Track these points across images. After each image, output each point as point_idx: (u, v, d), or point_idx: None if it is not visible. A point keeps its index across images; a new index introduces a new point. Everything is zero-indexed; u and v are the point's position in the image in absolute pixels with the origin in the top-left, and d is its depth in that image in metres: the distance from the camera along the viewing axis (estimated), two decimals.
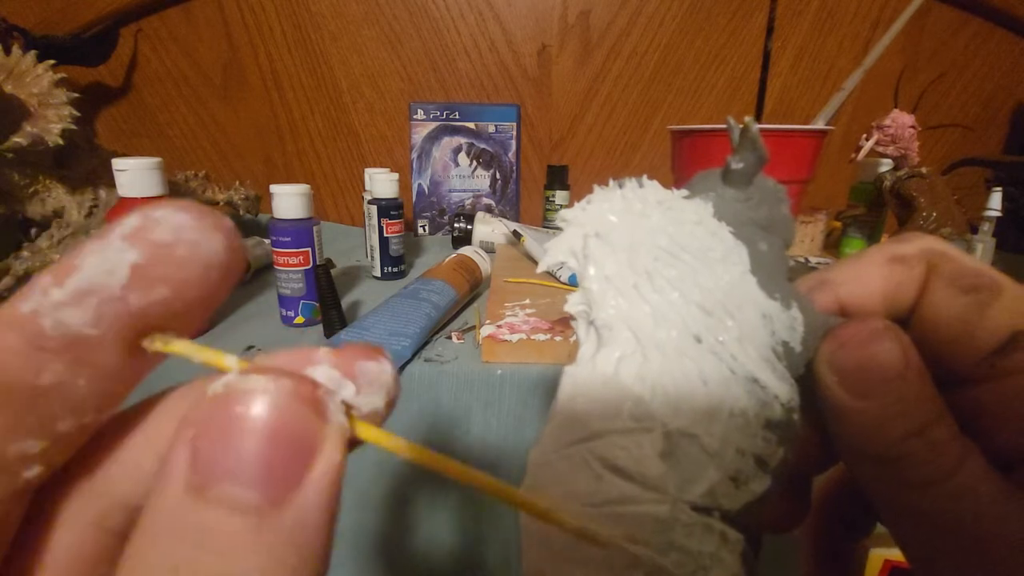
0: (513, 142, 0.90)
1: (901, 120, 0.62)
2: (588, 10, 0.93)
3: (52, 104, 0.56)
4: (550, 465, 0.12)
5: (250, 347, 0.47)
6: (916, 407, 0.12)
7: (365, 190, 0.75)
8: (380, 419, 0.10)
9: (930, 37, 0.95)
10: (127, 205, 0.47)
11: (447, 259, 0.58)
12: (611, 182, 0.14)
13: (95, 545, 0.10)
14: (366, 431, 0.10)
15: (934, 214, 0.61)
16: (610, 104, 0.98)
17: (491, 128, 0.89)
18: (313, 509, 0.08)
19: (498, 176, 0.92)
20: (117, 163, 0.46)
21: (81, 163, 0.61)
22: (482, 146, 0.90)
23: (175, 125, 0.98)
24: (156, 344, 0.09)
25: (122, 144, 0.97)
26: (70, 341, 0.08)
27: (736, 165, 0.14)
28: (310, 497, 0.08)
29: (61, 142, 0.55)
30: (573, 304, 0.13)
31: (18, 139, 0.53)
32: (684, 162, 0.61)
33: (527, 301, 0.52)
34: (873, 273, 0.14)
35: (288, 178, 1.01)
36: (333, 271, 0.54)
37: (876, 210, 0.72)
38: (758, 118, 0.96)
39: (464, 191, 0.92)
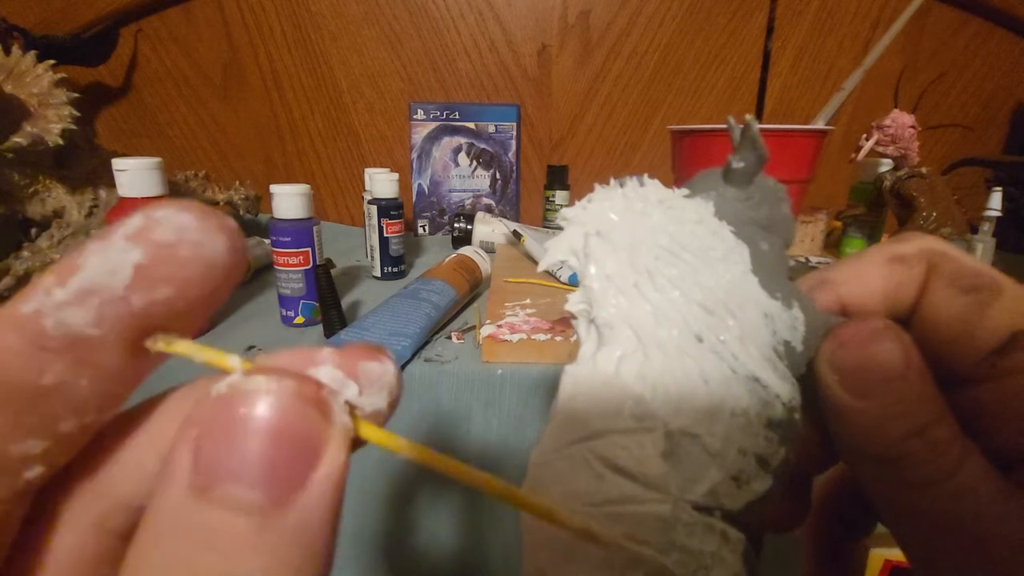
0: (513, 142, 0.90)
1: (901, 120, 0.62)
2: (588, 10, 0.93)
3: (52, 104, 0.56)
4: (551, 465, 0.12)
5: (251, 347, 0.47)
6: (917, 407, 0.12)
7: (365, 190, 0.75)
8: (383, 419, 0.10)
9: (930, 37, 0.95)
10: (127, 205, 0.47)
11: (447, 259, 0.58)
12: (612, 181, 0.14)
13: (97, 546, 0.10)
14: (369, 431, 0.10)
15: (934, 214, 0.61)
16: (610, 104, 0.98)
17: (491, 128, 0.89)
18: (317, 510, 0.08)
19: (498, 176, 0.92)
20: (117, 163, 0.46)
21: (81, 163, 0.61)
22: (482, 146, 0.90)
23: (175, 125, 0.98)
24: (158, 344, 0.09)
25: (122, 144, 0.97)
26: (72, 341, 0.08)
27: (737, 164, 0.14)
28: (314, 498, 0.08)
29: (61, 142, 0.55)
30: (574, 303, 0.13)
31: (18, 139, 0.53)
32: (684, 162, 0.61)
33: (527, 301, 0.52)
34: (873, 273, 0.14)
35: (288, 178, 1.01)
36: (333, 271, 0.54)
37: (876, 210, 0.72)
38: (758, 118, 0.96)
39: (464, 191, 0.92)
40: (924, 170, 0.62)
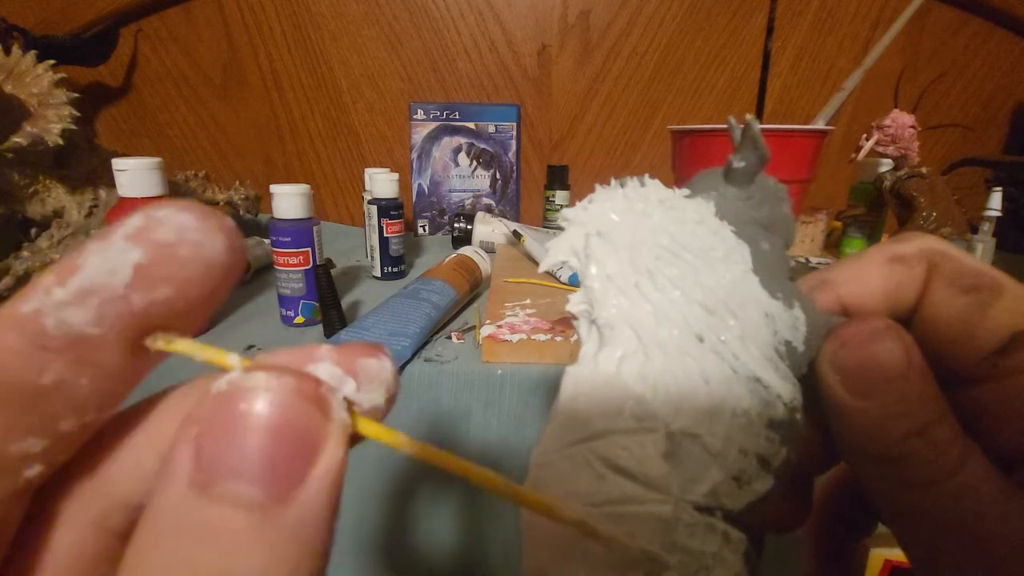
0: (513, 142, 0.90)
1: (901, 120, 0.62)
2: (588, 10, 0.93)
3: (52, 104, 0.56)
4: (551, 465, 0.12)
5: (250, 347, 0.47)
6: (918, 406, 0.12)
7: (365, 190, 0.75)
8: (381, 415, 0.10)
9: (930, 37, 0.95)
10: (127, 205, 0.47)
11: (447, 259, 0.58)
12: (613, 181, 0.14)
13: (96, 545, 0.10)
14: (367, 427, 0.10)
15: (934, 214, 0.61)
16: (610, 104, 0.98)
17: (491, 128, 0.89)
18: (316, 505, 0.08)
19: (498, 176, 0.92)
20: (117, 163, 0.46)
21: (81, 163, 0.61)
22: (482, 146, 0.90)
23: (175, 125, 0.98)
24: (158, 343, 0.09)
25: (122, 144, 0.97)
26: (72, 340, 0.08)
27: (738, 164, 0.14)
28: (313, 493, 0.08)
29: (61, 142, 0.55)
30: (575, 303, 0.13)
31: (18, 139, 0.53)
32: (684, 162, 0.61)
33: (527, 301, 0.52)
34: (873, 273, 0.14)
35: (288, 178, 1.01)
36: (333, 271, 0.54)
37: (876, 210, 0.72)
38: (758, 118, 0.96)
39: (464, 191, 0.92)
40: (924, 170, 0.62)
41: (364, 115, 0.98)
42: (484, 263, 0.61)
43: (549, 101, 0.98)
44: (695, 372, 0.12)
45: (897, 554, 0.38)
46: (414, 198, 0.91)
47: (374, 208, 0.64)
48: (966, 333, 0.13)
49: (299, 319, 0.52)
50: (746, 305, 0.13)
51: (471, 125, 0.89)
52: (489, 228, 0.79)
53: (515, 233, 0.69)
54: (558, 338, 0.44)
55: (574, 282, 0.57)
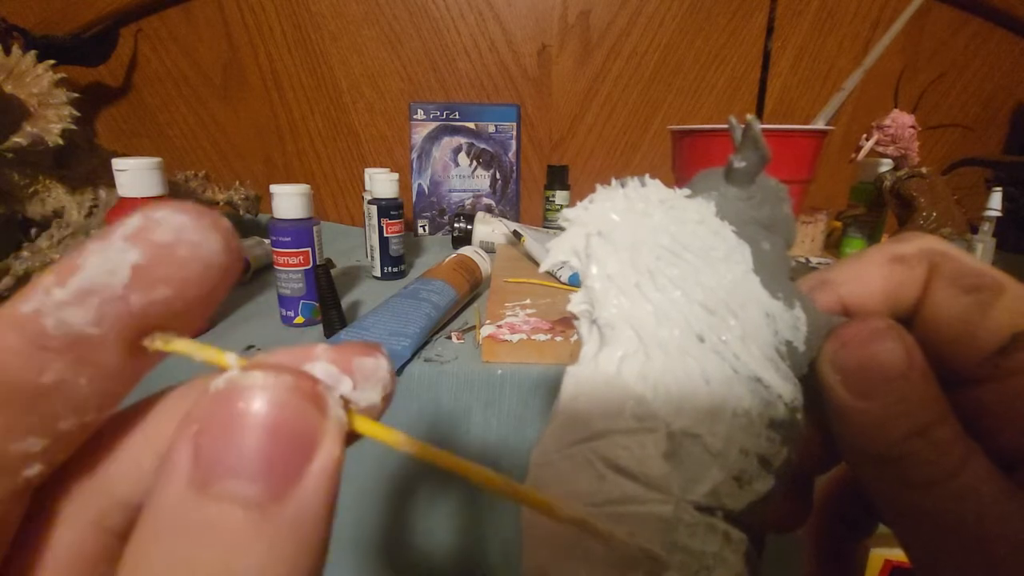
0: (513, 142, 0.90)
1: (901, 120, 0.62)
2: (588, 10, 0.93)
3: (52, 104, 0.56)
4: (552, 465, 0.12)
5: (250, 347, 0.47)
6: (919, 407, 0.12)
7: (365, 190, 0.75)
8: (377, 414, 0.10)
9: (930, 37, 0.95)
10: (127, 205, 0.47)
11: (447, 259, 0.58)
12: (613, 181, 0.14)
13: (95, 544, 0.10)
14: (364, 425, 0.10)
15: (934, 214, 0.61)
16: (610, 104, 0.98)
17: (491, 128, 0.89)
18: (313, 502, 0.08)
19: (498, 176, 0.91)
20: (117, 163, 0.46)
21: (81, 163, 0.61)
22: (482, 146, 0.90)
23: (175, 125, 0.98)
24: (157, 343, 0.09)
25: (122, 144, 0.97)
26: (72, 340, 0.08)
27: (739, 164, 0.14)
28: (310, 490, 0.08)
29: (61, 142, 0.55)
30: (576, 303, 0.13)
31: (18, 139, 0.53)
32: (684, 162, 0.61)
33: (527, 301, 0.52)
34: (874, 273, 0.14)
35: (288, 178, 1.01)
36: (333, 271, 0.54)
37: (876, 210, 0.72)
38: (758, 118, 0.96)
39: (464, 191, 0.92)
40: (924, 170, 0.62)
41: (364, 115, 0.98)
42: (484, 263, 0.61)
43: (549, 101, 0.98)
44: (696, 372, 0.12)
45: (897, 554, 0.38)
46: (414, 198, 0.91)
47: (374, 208, 0.64)
48: (967, 333, 0.13)
49: (299, 319, 0.52)
50: (747, 305, 0.13)
51: (471, 125, 0.89)
52: (489, 228, 0.79)
53: (515, 233, 0.69)
54: (558, 338, 0.44)
55: (574, 282, 0.57)
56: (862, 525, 0.19)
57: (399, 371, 0.42)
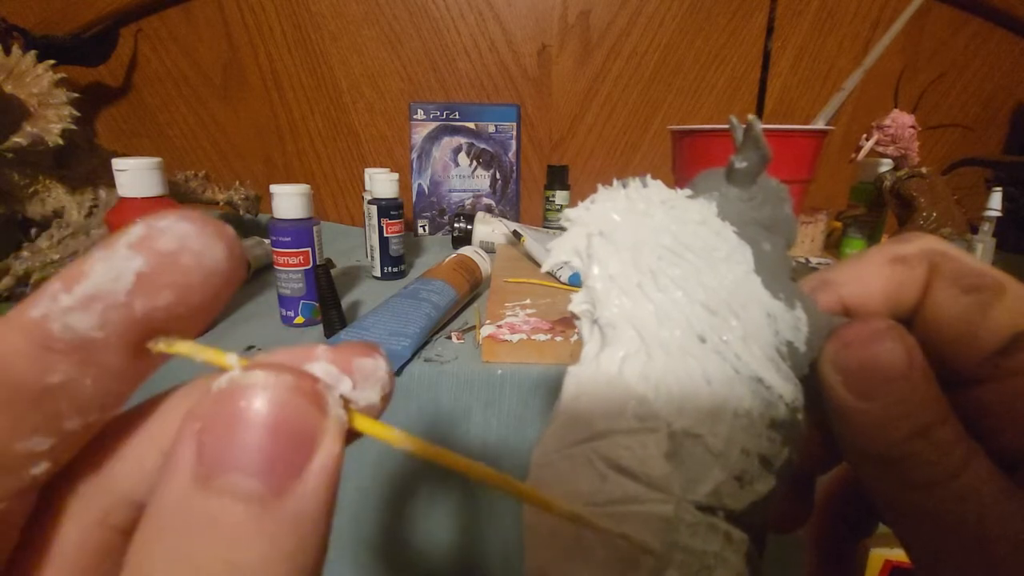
0: (513, 142, 0.90)
1: (901, 120, 0.62)
2: (588, 10, 0.93)
3: (52, 104, 0.56)
4: (553, 465, 0.12)
5: (250, 347, 0.47)
6: (920, 407, 0.12)
7: (365, 190, 0.75)
8: (376, 413, 0.11)
9: (930, 37, 0.95)
10: (127, 205, 0.47)
11: (447, 259, 0.58)
12: (615, 182, 0.14)
13: (100, 541, 0.10)
14: (363, 423, 0.10)
15: (934, 214, 0.61)
16: (610, 104, 0.98)
17: (491, 128, 0.89)
18: (313, 498, 0.09)
19: (498, 176, 0.92)
20: (117, 163, 0.46)
21: (81, 163, 0.61)
22: (482, 146, 0.90)
23: (175, 125, 0.98)
24: (160, 345, 0.10)
25: (122, 144, 0.97)
26: (77, 343, 0.09)
27: (740, 164, 0.14)
28: (310, 487, 0.09)
29: (61, 142, 0.55)
30: (577, 303, 0.13)
31: (18, 139, 0.53)
32: (685, 162, 0.61)
33: (527, 301, 0.52)
34: (874, 273, 0.14)
35: (288, 178, 1.01)
36: (333, 271, 0.54)
37: (876, 210, 0.73)
38: (758, 118, 0.96)
39: (464, 191, 0.92)
40: (924, 170, 0.62)
41: (364, 115, 0.98)
42: (484, 263, 0.61)
43: (549, 101, 0.98)
44: (697, 372, 0.12)
45: (897, 554, 0.38)
46: (414, 198, 0.91)
47: (374, 208, 0.64)
48: (968, 333, 0.13)
49: (299, 319, 0.52)
50: (748, 305, 0.13)
51: (471, 125, 0.89)
52: (489, 228, 0.79)
53: (515, 233, 0.69)
54: (558, 338, 0.44)
55: (574, 282, 0.57)
56: (863, 525, 0.19)
57: (399, 371, 0.42)
